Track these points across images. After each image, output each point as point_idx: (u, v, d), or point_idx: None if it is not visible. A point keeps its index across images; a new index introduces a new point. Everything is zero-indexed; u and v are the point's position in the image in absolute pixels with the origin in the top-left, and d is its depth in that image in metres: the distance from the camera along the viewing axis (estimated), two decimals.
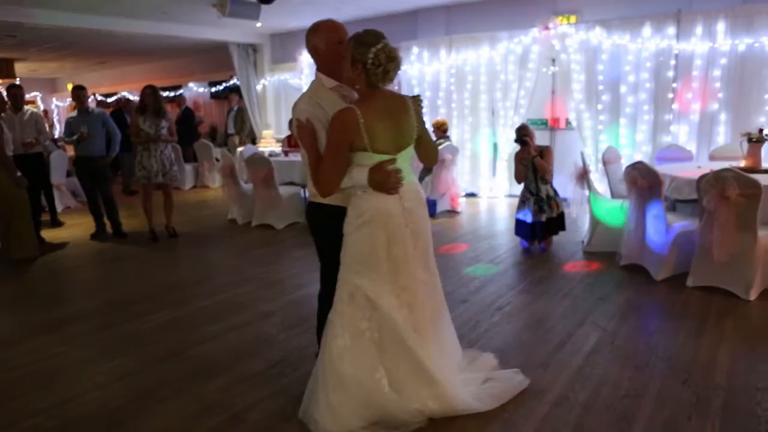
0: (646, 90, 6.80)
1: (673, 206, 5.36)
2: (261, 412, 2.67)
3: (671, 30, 6.53)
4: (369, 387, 2.42)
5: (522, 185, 5.36)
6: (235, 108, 10.93)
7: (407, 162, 2.52)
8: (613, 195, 5.59)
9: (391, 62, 2.34)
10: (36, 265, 5.66)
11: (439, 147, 7.29)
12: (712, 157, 5.89)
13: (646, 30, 6.64)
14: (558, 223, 5.30)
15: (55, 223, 7.57)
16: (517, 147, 5.34)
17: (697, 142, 6.62)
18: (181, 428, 2.58)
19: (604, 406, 2.63)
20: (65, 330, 3.87)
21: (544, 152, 5.20)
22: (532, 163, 5.17)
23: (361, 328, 2.44)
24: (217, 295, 4.45)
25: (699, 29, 6.40)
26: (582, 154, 5.33)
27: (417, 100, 2.57)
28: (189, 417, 2.66)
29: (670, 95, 6.68)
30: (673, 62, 6.60)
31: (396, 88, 8.87)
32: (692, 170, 4.67)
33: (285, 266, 5.24)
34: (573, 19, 7.29)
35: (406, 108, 2.47)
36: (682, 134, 6.69)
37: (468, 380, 2.68)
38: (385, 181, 2.38)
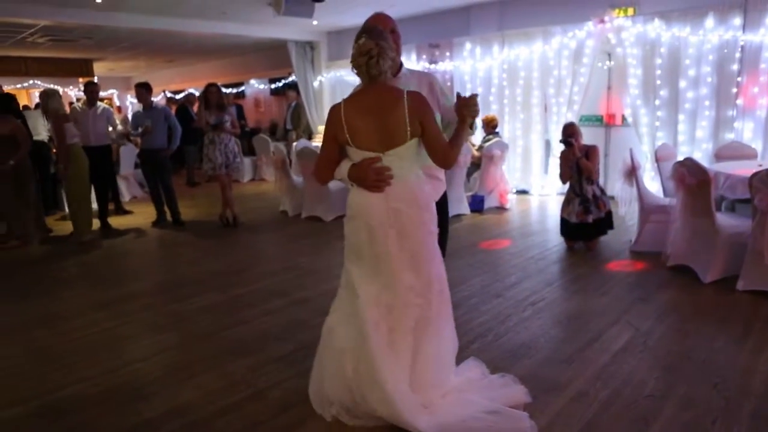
0: (708, 84, 6.45)
1: (732, 206, 5.09)
2: (283, 390, 2.79)
3: (737, 20, 6.16)
4: (337, 365, 2.47)
5: (567, 184, 5.26)
6: (293, 104, 11.23)
7: (404, 161, 2.41)
8: (665, 193, 5.37)
9: (361, 57, 2.33)
10: (99, 249, 6.08)
11: (488, 143, 7.27)
12: None
13: (709, 21, 6.30)
14: (606, 222, 5.16)
15: (120, 211, 8.08)
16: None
17: (763, 139, 6.22)
18: (206, 401, 2.73)
19: (624, 405, 2.57)
20: (116, 307, 4.16)
21: (590, 152, 5.07)
22: (577, 163, 5.06)
23: (348, 312, 2.48)
24: (259, 282, 4.64)
25: None
26: (630, 150, 5.14)
27: (465, 102, 2.46)
28: (215, 391, 2.82)
29: (734, 90, 6.31)
30: (738, 55, 6.22)
31: (448, 84, 8.84)
32: (752, 168, 4.41)
33: (328, 256, 5.35)
34: (630, 11, 7.01)
35: (395, 106, 2.33)
36: (746, 131, 6.30)
37: (466, 402, 2.46)
38: (362, 178, 2.38)
